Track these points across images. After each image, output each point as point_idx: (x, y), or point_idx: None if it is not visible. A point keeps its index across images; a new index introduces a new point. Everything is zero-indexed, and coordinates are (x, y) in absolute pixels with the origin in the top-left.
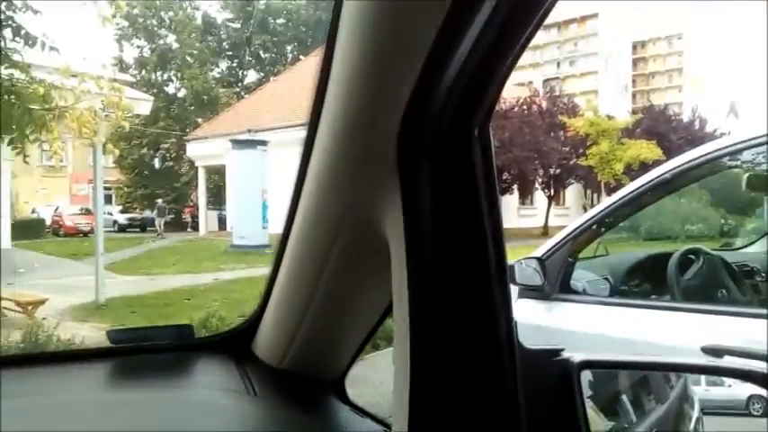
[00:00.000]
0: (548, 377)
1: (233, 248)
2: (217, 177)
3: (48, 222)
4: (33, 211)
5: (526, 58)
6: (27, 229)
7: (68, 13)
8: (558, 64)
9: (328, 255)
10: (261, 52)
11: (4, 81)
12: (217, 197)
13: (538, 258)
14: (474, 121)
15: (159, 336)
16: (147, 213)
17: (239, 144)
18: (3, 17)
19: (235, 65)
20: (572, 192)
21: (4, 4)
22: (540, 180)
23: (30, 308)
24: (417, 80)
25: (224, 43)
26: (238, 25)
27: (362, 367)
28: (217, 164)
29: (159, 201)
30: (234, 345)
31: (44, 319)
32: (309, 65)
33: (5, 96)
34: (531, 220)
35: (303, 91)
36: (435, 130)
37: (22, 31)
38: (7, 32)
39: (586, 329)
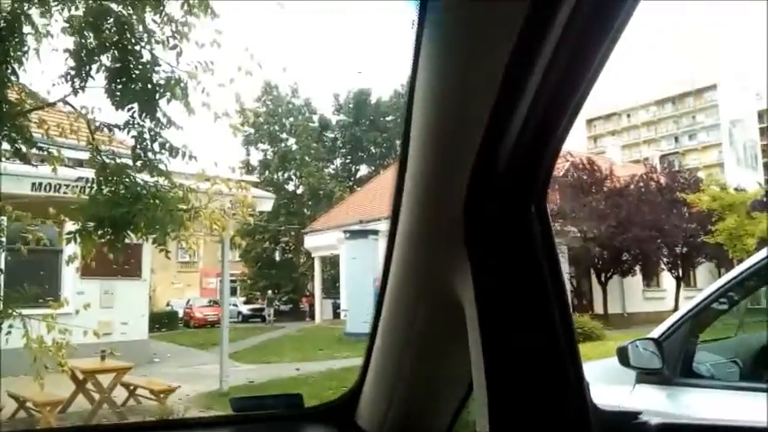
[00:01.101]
0: None
1: (346, 336)
2: (331, 267)
3: (180, 314)
4: (168, 304)
5: (641, 134)
6: (162, 321)
7: (204, 126)
8: (677, 138)
9: (412, 325)
10: (372, 147)
11: (150, 187)
12: (332, 286)
13: (654, 339)
14: (530, 198)
15: (273, 404)
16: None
17: (351, 234)
18: (152, 134)
19: (348, 161)
20: (703, 271)
21: (153, 122)
22: (665, 260)
23: (162, 395)
24: (473, 168)
25: (338, 141)
26: (351, 124)
27: None
28: (331, 254)
29: (269, 292)
30: (338, 414)
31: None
32: None
33: (151, 200)
34: (658, 303)
35: None
36: (495, 209)
37: (167, 144)
38: (155, 146)
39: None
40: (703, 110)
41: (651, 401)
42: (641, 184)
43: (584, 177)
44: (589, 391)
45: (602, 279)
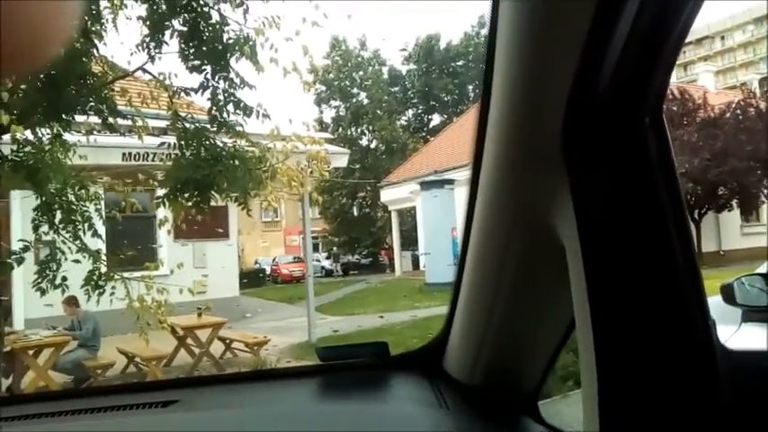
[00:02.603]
0: (757, 382)
1: (427, 286)
2: (409, 219)
3: (267, 271)
4: (256, 263)
5: (737, 57)
6: (250, 279)
7: (276, 85)
8: None
9: (504, 265)
10: (443, 95)
11: (229, 148)
12: (410, 238)
13: (763, 275)
14: (643, 109)
15: (359, 352)
16: (349, 258)
17: (427, 185)
18: (226, 94)
19: (420, 111)
20: None
21: (226, 83)
22: (766, 192)
23: (255, 348)
24: (575, 75)
25: (409, 92)
26: (421, 73)
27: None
28: (408, 206)
29: (334, 248)
30: (425, 361)
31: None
32: None
33: (231, 161)
34: (758, 238)
35: None
36: (600, 124)
37: (241, 104)
38: (230, 107)
39: None
40: None
41: (759, 340)
42: (738, 111)
43: (674, 109)
44: (716, 329)
45: (696, 216)
